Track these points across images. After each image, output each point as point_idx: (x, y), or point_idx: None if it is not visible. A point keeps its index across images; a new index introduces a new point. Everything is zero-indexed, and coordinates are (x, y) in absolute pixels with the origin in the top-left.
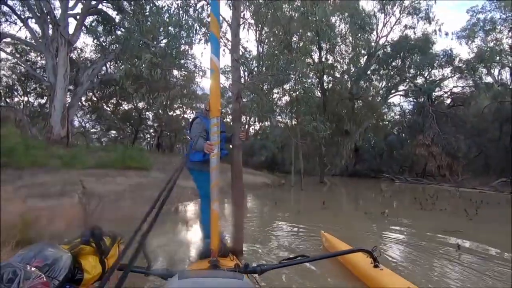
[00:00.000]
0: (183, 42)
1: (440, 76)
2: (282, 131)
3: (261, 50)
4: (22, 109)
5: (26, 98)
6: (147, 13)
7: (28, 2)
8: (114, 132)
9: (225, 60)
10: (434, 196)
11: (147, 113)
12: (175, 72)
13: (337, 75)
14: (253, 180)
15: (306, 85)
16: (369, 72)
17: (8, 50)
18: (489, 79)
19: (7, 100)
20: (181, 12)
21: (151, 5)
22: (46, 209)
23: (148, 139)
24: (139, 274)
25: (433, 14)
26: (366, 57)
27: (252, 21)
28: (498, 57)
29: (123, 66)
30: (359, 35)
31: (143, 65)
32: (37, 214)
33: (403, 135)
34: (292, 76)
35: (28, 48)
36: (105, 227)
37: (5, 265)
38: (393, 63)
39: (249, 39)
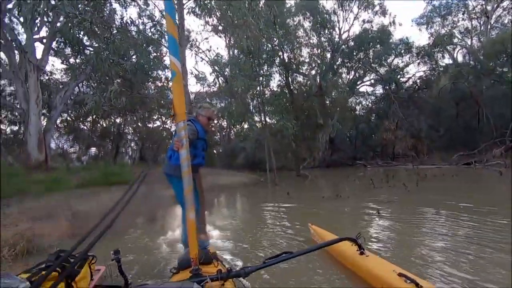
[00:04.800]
0: (152, 55)
1: (402, 63)
2: (258, 131)
3: (231, 54)
4: None
5: None
6: (114, 31)
7: None
8: (94, 149)
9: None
10: (390, 176)
11: (126, 128)
12: (150, 85)
13: (304, 72)
14: (231, 180)
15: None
16: (335, 67)
17: None
18: (446, 61)
19: None
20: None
21: (116, 22)
22: (38, 229)
23: (130, 153)
24: None
25: (386, 8)
26: (330, 53)
27: (220, 27)
28: (455, 39)
29: (94, 97)
30: (322, 32)
31: (111, 95)
32: (30, 233)
33: (373, 122)
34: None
35: None
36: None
37: None
38: (357, 56)
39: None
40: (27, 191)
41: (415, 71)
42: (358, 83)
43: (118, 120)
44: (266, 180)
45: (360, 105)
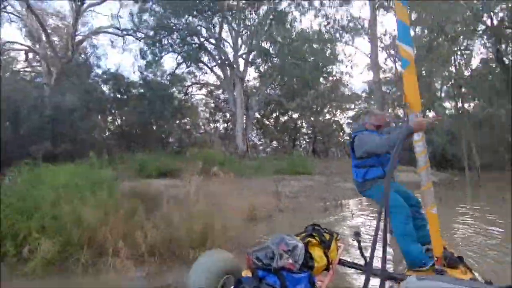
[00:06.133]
0: (327, 52)
1: None
2: (451, 121)
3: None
4: (214, 133)
5: (215, 125)
6: (294, 37)
7: (212, 54)
8: (275, 142)
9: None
10: None
11: (300, 122)
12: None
13: None
14: (416, 178)
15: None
16: None
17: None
18: None
19: (205, 127)
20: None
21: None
22: (262, 201)
23: (304, 146)
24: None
25: None
26: None
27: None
28: None
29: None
30: None
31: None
32: (258, 203)
33: None
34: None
35: (214, 88)
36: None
37: (266, 247)
38: None
39: None
40: (242, 173)
41: None
42: None
43: (295, 116)
44: (464, 179)
45: None
